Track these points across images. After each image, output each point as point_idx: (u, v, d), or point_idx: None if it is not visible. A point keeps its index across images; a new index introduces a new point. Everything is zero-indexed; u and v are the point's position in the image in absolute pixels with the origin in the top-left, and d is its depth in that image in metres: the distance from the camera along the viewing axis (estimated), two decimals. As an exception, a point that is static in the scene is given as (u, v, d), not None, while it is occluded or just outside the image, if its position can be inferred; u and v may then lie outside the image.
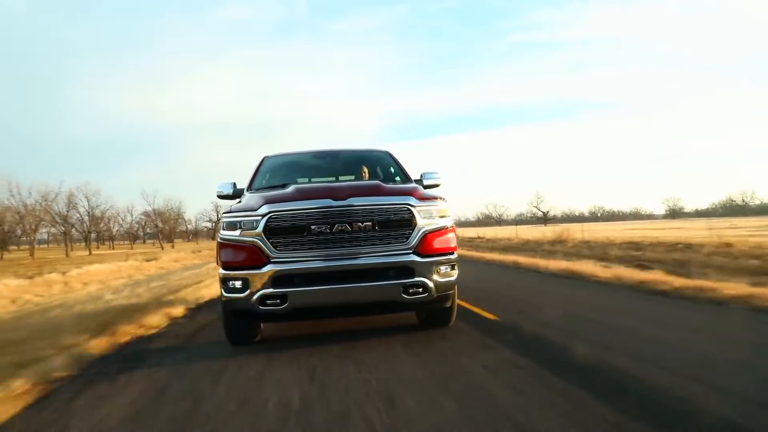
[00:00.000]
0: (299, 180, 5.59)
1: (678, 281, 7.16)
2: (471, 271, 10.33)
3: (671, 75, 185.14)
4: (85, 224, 63.11)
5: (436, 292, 3.98)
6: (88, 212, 62.84)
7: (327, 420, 2.62)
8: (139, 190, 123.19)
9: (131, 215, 79.63)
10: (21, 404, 3.12)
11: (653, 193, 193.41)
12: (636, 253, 15.58)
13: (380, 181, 4.96)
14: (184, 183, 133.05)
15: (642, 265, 11.85)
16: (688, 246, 15.74)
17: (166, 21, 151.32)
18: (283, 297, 3.81)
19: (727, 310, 5.32)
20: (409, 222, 3.98)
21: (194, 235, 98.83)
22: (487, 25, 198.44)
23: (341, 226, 3.85)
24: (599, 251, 16.61)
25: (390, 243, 3.93)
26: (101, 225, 71.26)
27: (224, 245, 4.04)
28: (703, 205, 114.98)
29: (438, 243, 4.05)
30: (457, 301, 4.70)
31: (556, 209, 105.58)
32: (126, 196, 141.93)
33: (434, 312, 4.60)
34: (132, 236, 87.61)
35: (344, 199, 3.90)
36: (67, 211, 58.46)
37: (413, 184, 4.88)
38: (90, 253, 56.10)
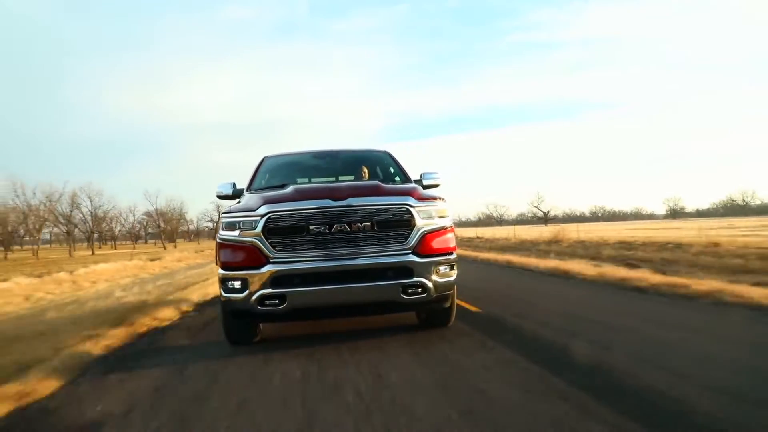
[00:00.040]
0: (299, 180, 5.60)
1: (655, 278, 7.61)
2: (463, 269, 10.79)
3: (671, 75, 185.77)
4: (88, 224, 63.64)
5: (435, 292, 3.98)
6: (91, 212, 63.40)
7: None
8: (139, 190, 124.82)
9: (133, 215, 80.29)
10: (67, 378, 3.65)
11: (654, 193, 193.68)
12: (627, 253, 16.03)
13: (380, 181, 4.96)
14: (185, 183, 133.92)
15: (631, 264, 12.30)
16: (678, 246, 16.17)
17: (168, 21, 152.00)
18: (282, 297, 3.82)
19: (691, 304, 5.78)
20: (408, 222, 3.98)
21: (196, 235, 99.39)
22: (487, 25, 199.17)
23: (340, 227, 3.85)
24: (593, 251, 17.07)
25: (389, 243, 3.94)
26: (103, 225, 71.79)
27: (223, 245, 4.05)
28: (704, 205, 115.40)
29: (437, 243, 4.06)
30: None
31: (556, 209, 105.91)
32: (127, 196, 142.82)
33: (433, 312, 4.58)
34: (134, 236, 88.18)
35: (343, 199, 3.91)
36: (71, 212, 59.02)
37: (412, 185, 4.88)
38: (93, 253, 56.63)
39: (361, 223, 3.88)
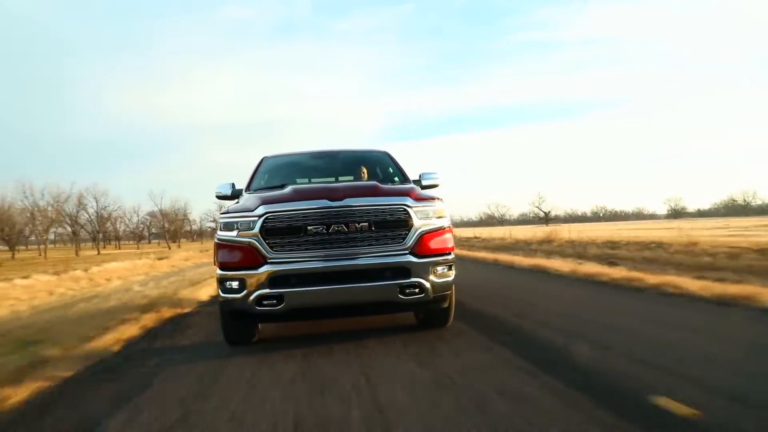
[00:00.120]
0: (298, 180, 5.64)
1: (616, 273, 8.55)
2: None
3: (671, 75, 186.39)
4: (93, 225, 64.83)
5: (432, 292, 4.01)
6: (97, 213, 64.59)
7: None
8: (139, 190, 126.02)
9: (137, 215, 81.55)
10: (121, 345, 4.70)
11: (655, 193, 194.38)
12: (611, 252, 16.88)
13: (379, 181, 4.98)
14: (186, 183, 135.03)
15: (612, 262, 13.16)
16: (659, 245, 17.09)
17: (169, 22, 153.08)
18: (279, 297, 3.85)
19: (635, 294, 6.71)
20: (405, 222, 4.01)
21: (199, 235, 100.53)
22: (489, 24, 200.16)
23: (338, 227, 3.88)
24: (580, 250, 17.95)
25: (387, 243, 3.97)
26: (107, 225, 73.01)
27: (221, 246, 4.09)
28: (706, 206, 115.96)
29: (435, 243, 4.08)
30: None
31: (557, 209, 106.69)
32: (128, 196, 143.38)
33: (432, 312, 4.59)
34: (137, 236, 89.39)
35: (341, 199, 3.94)
36: (77, 212, 60.22)
37: (411, 185, 4.92)
38: (98, 253, 57.85)
39: (359, 224, 3.91)
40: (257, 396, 3.07)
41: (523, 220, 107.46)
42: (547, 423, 2.41)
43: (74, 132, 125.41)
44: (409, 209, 4.04)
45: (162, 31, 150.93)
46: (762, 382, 2.90)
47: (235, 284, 3.93)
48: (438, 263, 4.05)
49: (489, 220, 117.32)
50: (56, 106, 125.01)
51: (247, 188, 5.28)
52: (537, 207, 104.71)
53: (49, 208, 55.48)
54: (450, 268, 4.15)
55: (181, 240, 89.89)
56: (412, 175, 5.53)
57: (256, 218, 3.94)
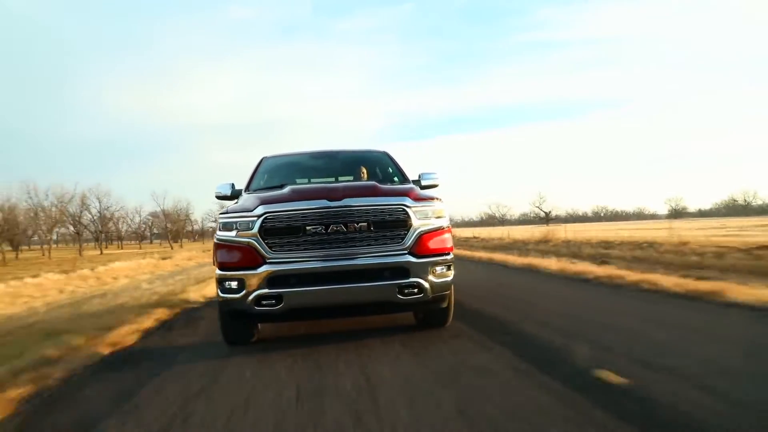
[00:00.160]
0: (298, 181, 5.66)
1: (601, 271, 9.02)
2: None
3: (671, 75, 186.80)
4: (96, 225, 65.49)
5: (431, 292, 4.01)
6: (100, 213, 65.26)
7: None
8: (140, 190, 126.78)
9: (139, 215, 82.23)
10: (140, 335, 5.16)
11: (656, 193, 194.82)
12: (605, 251, 17.33)
13: (379, 181, 4.98)
14: (188, 183, 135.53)
15: (603, 261, 13.64)
16: (651, 245, 17.56)
17: (171, 22, 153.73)
18: (278, 297, 3.86)
19: (613, 290, 7.16)
20: (404, 222, 4.01)
21: (200, 235, 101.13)
22: (490, 24, 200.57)
23: (337, 227, 3.89)
24: (574, 249, 18.41)
25: (385, 243, 3.97)
26: (110, 225, 73.64)
27: (220, 246, 4.11)
28: (707, 206, 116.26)
29: (433, 243, 4.09)
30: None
31: (558, 209, 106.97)
32: (129, 195, 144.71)
33: (431, 312, 4.58)
34: (139, 236, 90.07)
35: (339, 199, 3.95)
36: (81, 213, 60.87)
37: (410, 185, 4.93)
38: (101, 253, 58.34)
39: (358, 224, 3.92)
40: (265, 368, 3.65)
41: (524, 220, 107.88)
42: (502, 389, 2.90)
43: (75, 132, 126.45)
44: (407, 209, 4.04)
45: (162, 32, 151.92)
46: (686, 357, 3.40)
47: (234, 284, 3.93)
48: (437, 263, 4.06)
49: (490, 220, 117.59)
50: (57, 106, 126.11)
51: (247, 188, 5.31)
52: (538, 207, 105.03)
53: (53, 209, 56.09)
54: (449, 268, 4.15)
55: (183, 240, 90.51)
56: (412, 176, 5.55)
57: (255, 218, 3.95)
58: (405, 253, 3.98)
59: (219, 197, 5.35)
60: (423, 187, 5.23)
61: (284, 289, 3.86)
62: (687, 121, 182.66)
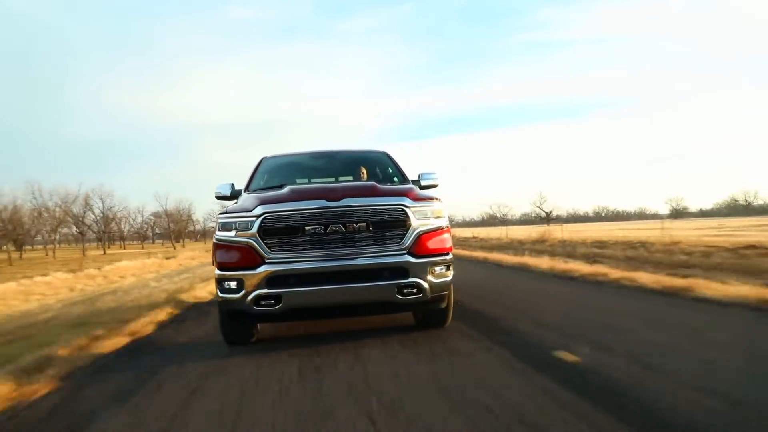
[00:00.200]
0: (298, 181, 5.68)
1: (587, 269, 9.49)
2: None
3: (671, 75, 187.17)
4: (99, 225, 66.15)
5: (430, 292, 4.02)
6: (103, 213, 65.92)
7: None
8: (141, 190, 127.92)
9: (142, 216, 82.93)
10: (155, 326, 5.65)
11: (657, 193, 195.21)
12: (598, 251, 17.77)
13: (378, 181, 5.00)
14: (190, 183, 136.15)
15: (596, 260, 14.13)
16: (643, 245, 18.03)
17: (173, 23, 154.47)
18: (277, 297, 3.87)
19: (594, 286, 7.64)
20: (403, 222, 4.02)
21: (202, 235, 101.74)
22: (491, 24, 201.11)
23: (335, 227, 3.90)
24: (569, 249, 18.87)
25: (384, 244, 3.97)
26: (112, 225, 74.33)
27: (219, 246, 4.13)
28: (708, 205, 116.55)
29: (433, 243, 4.09)
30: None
31: (559, 209, 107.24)
32: (130, 195, 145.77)
33: (430, 312, 4.57)
34: (141, 236, 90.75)
35: (338, 199, 3.95)
36: (84, 213, 61.52)
37: (409, 185, 4.94)
38: (104, 253, 58.99)
39: (357, 224, 3.93)
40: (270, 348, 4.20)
41: (526, 220, 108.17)
42: (473, 366, 3.39)
43: (76, 132, 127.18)
44: (406, 209, 4.05)
45: (164, 32, 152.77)
46: (632, 340, 3.92)
47: (233, 284, 3.95)
48: (436, 263, 4.06)
49: (491, 221, 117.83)
50: (58, 106, 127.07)
51: (246, 189, 5.33)
52: (539, 207, 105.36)
53: (57, 209, 56.76)
54: (448, 268, 4.16)
55: (185, 240, 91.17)
56: (412, 176, 5.58)
57: (254, 218, 3.97)
58: (404, 253, 3.99)
59: (219, 197, 5.38)
60: (422, 187, 5.25)
61: (283, 289, 3.87)
62: (687, 121, 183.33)
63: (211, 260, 4.62)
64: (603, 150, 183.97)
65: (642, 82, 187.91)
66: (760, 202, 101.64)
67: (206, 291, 8.88)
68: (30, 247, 74.55)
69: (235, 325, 4.40)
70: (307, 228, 3.92)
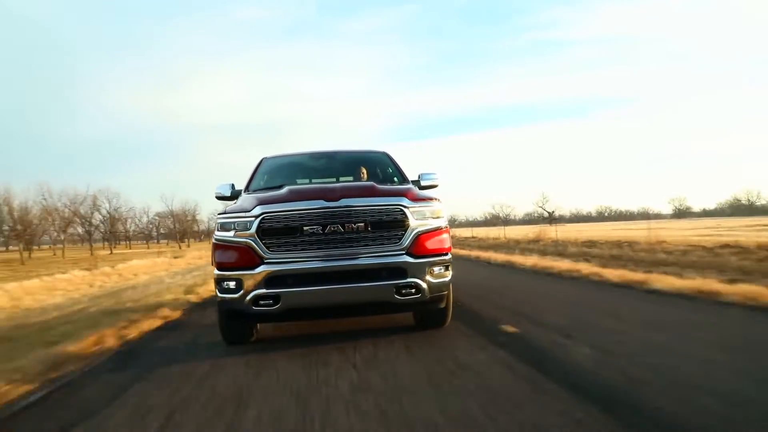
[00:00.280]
0: (298, 181, 5.72)
1: (564, 266, 10.43)
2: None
3: (671, 75, 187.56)
4: (106, 225, 67.50)
5: (429, 293, 4.04)
6: (109, 214, 67.27)
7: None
8: (143, 190, 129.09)
9: (147, 216, 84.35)
10: (180, 313, 6.61)
11: (660, 193, 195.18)
12: (587, 250, 18.67)
13: (379, 182, 5.03)
14: (194, 183, 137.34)
15: (586, 258, 15.07)
16: (630, 244, 18.95)
17: (176, 23, 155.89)
18: (276, 297, 3.89)
19: (568, 281, 8.58)
20: (401, 223, 4.04)
21: (206, 235, 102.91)
22: (492, 24, 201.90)
23: (334, 227, 3.92)
24: (560, 248, 19.79)
25: (383, 244, 4.00)
26: (118, 225, 75.67)
27: (218, 246, 4.17)
28: (711, 205, 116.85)
29: (431, 244, 4.11)
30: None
31: (562, 209, 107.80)
32: (133, 195, 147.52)
33: (429, 313, 4.58)
34: (146, 236, 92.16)
35: (337, 200, 3.98)
36: (92, 213, 62.88)
37: (408, 185, 4.97)
38: (111, 252, 60.27)
39: (355, 224, 3.95)
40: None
41: (528, 220, 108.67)
42: (438, 337, 4.34)
43: (76, 132, 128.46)
44: (405, 209, 4.08)
45: (167, 33, 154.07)
46: (567, 319, 4.86)
47: (232, 284, 3.98)
48: (435, 263, 4.08)
49: (494, 221, 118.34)
50: (59, 106, 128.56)
51: (246, 189, 5.38)
52: (541, 207, 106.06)
53: (66, 210, 58.15)
54: (447, 269, 4.18)
55: (190, 240, 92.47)
56: (414, 176, 5.63)
57: (253, 218, 3.99)
58: (402, 254, 4.01)
59: (219, 197, 5.43)
60: (422, 188, 5.30)
61: (282, 289, 3.90)
62: (687, 121, 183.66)
63: (212, 260, 4.92)
64: (604, 150, 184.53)
65: (642, 82, 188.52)
66: (763, 201, 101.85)
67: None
68: (36, 247, 75.96)
69: (235, 324, 4.43)
70: (305, 228, 3.95)
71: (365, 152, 6.37)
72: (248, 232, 3.99)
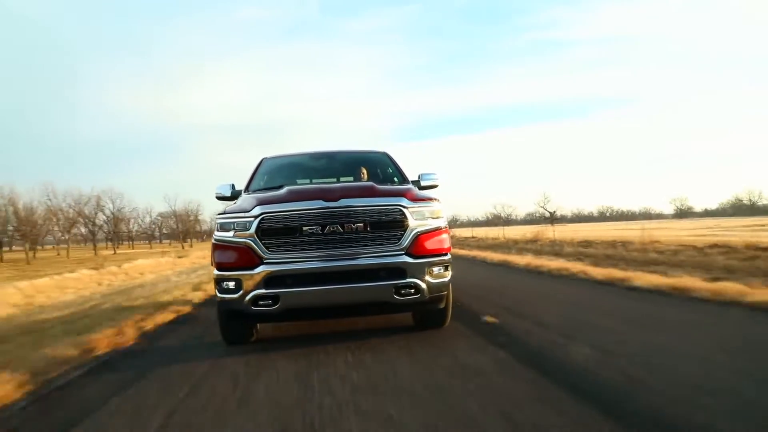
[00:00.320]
0: (299, 181, 5.73)
1: (554, 265, 10.86)
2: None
3: (672, 75, 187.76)
4: (110, 225, 68.17)
5: (428, 293, 4.05)
6: (113, 214, 67.92)
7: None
8: (145, 189, 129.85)
9: (150, 216, 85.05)
10: (191, 307, 7.08)
11: (661, 193, 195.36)
12: (582, 250, 19.05)
13: (379, 182, 5.05)
14: (194, 183, 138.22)
15: (580, 258, 15.49)
16: (624, 244, 19.38)
17: (179, 23, 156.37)
18: (275, 298, 3.91)
19: (552, 278, 9.04)
20: (401, 223, 4.05)
21: (208, 235, 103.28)
22: (493, 24, 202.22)
23: (333, 227, 3.93)
24: (557, 248, 20.24)
25: (382, 244, 4.01)
26: (121, 225, 76.33)
27: (218, 246, 4.19)
28: (713, 205, 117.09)
29: (430, 244, 4.12)
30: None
31: (563, 209, 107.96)
32: (134, 194, 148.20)
33: (428, 313, 4.58)
34: (149, 236, 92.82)
35: (336, 200, 3.99)
36: (96, 214, 63.55)
37: (407, 186, 4.98)
38: (115, 252, 60.86)
39: (354, 224, 3.96)
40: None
41: (530, 220, 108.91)
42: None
43: (76, 132, 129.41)
44: (404, 210, 4.08)
45: (169, 33, 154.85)
46: (546, 311, 5.35)
47: (231, 284, 3.99)
48: (434, 264, 4.09)
49: (495, 221, 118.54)
50: (61, 106, 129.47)
51: (246, 189, 5.40)
52: (542, 207, 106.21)
53: (71, 211, 58.85)
54: (446, 269, 4.19)
55: (192, 240, 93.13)
56: (413, 176, 5.64)
57: (252, 219, 4.01)
58: (402, 254, 4.02)
59: (219, 198, 5.45)
60: (422, 188, 5.31)
61: (281, 290, 3.91)
62: (687, 121, 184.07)
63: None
64: (604, 150, 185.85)
65: (642, 82, 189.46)
66: (765, 201, 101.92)
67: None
68: (40, 247, 76.61)
69: (234, 324, 4.45)
70: (304, 228, 3.96)
71: (365, 152, 6.39)
72: (247, 232, 4.01)
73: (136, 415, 2.91)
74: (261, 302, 3.94)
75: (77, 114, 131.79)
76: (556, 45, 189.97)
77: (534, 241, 26.24)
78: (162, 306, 7.21)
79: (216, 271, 4.14)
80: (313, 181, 5.91)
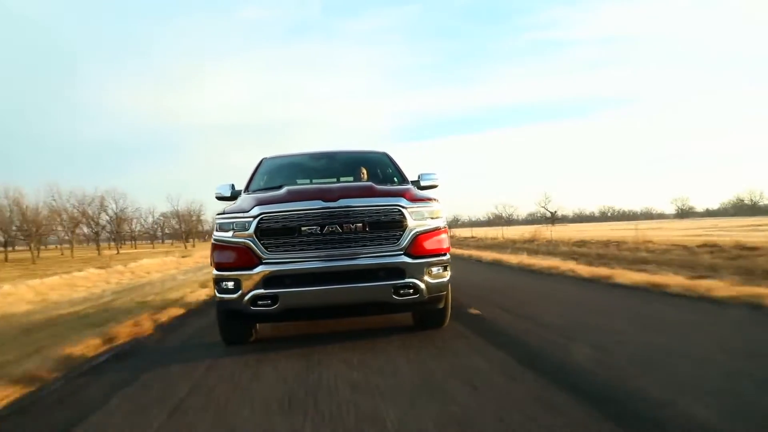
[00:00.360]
0: (299, 181, 5.74)
1: (545, 263, 11.34)
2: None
3: (672, 75, 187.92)
4: (113, 225, 68.81)
5: (427, 293, 4.07)
6: (116, 214, 68.56)
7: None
8: (145, 189, 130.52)
9: (152, 216, 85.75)
10: (193, 307, 7.55)
11: (664, 192, 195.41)
12: (578, 250, 19.54)
13: (379, 182, 5.07)
14: (194, 183, 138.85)
15: (574, 257, 15.95)
16: (617, 244, 19.83)
17: (181, 24, 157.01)
18: (274, 298, 3.92)
19: (540, 276, 9.51)
20: (399, 223, 4.06)
21: (210, 235, 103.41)
22: (494, 24, 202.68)
23: (332, 228, 3.95)
24: (552, 247, 20.72)
25: (381, 244, 4.02)
26: (124, 225, 76.94)
27: (217, 246, 4.21)
28: (715, 205, 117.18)
29: (429, 244, 4.13)
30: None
31: (564, 209, 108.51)
32: (138, 195, 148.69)
33: (427, 313, 4.60)
34: (151, 236, 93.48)
35: (335, 200, 4.00)
36: (99, 214, 64.23)
37: (407, 186, 4.99)
38: (118, 252, 61.47)
39: (353, 224, 3.97)
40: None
41: (531, 220, 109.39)
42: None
43: (77, 132, 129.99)
44: (403, 210, 4.09)
45: (170, 33, 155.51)
46: (527, 304, 5.85)
47: (230, 284, 4.00)
48: (433, 264, 4.11)
49: (497, 221, 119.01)
50: (63, 107, 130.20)
51: (246, 189, 5.43)
52: (543, 207, 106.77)
53: (75, 211, 59.54)
54: (445, 269, 4.21)
55: (195, 240, 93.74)
56: (413, 176, 5.66)
57: (251, 219, 4.02)
58: (400, 254, 4.03)
59: (219, 198, 5.47)
60: (422, 188, 5.33)
61: (280, 290, 3.92)
62: (687, 121, 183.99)
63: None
64: (605, 150, 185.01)
65: (642, 82, 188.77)
66: (766, 201, 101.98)
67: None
68: (44, 247, 77.23)
69: (233, 324, 4.47)
70: (303, 228, 3.97)
71: (365, 152, 6.40)
72: (246, 232, 4.02)
73: (167, 381, 3.58)
74: (260, 302, 3.97)
75: (78, 114, 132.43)
76: (556, 45, 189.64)
77: (531, 240, 26.67)
78: (173, 301, 7.70)
79: (215, 271, 4.18)
80: (313, 181, 5.94)
